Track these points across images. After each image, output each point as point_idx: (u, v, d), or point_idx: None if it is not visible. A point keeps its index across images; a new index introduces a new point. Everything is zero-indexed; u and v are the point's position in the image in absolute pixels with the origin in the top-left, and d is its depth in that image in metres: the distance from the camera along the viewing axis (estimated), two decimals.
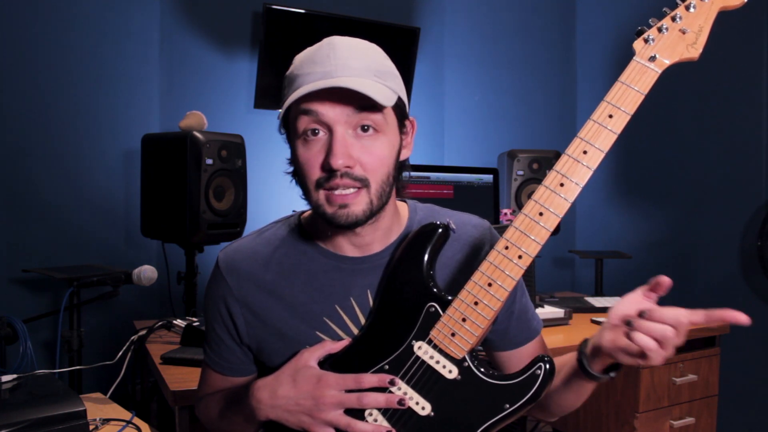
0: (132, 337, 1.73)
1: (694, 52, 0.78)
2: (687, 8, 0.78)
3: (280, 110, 0.88)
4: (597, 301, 2.34)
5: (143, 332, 1.74)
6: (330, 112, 0.83)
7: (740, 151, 2.53)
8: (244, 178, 2.07)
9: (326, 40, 0.88)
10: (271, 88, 2.44)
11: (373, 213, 0.86)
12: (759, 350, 2.43)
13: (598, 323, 2.04)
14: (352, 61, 0.84)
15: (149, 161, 2.02)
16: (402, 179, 0.94)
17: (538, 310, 2.01)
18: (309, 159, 0.86)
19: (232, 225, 2.04)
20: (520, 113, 2.99)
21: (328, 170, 0.83)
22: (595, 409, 2.14)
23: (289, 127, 0.89)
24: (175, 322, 1.84)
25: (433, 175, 2.25)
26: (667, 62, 0.78)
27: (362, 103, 0.82)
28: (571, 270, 3.15)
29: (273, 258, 0.95)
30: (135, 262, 1.99)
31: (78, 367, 1.78)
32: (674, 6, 0.79)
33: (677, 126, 2.72)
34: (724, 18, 2.54)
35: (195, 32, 2.38)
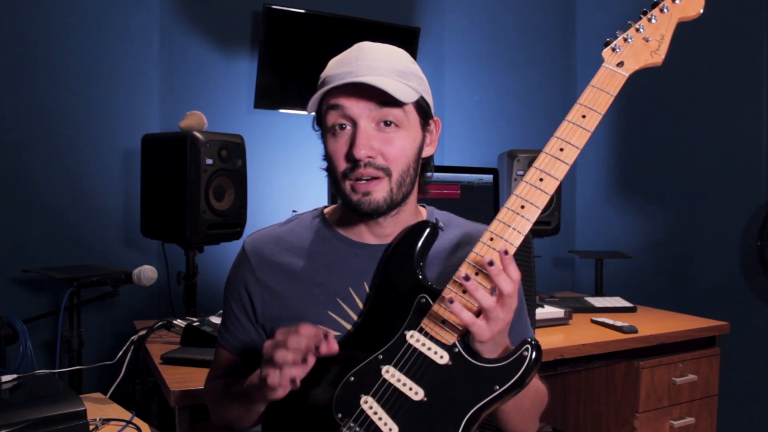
0: (132, 337, 1.73)
1: (658, 57, 0.88)
2: (649, 20, 0.88)
3: (311, 109, 0.97)
4: (597, 301, 2.34)
5: (143, 332, 1.74)
6: (354, 107, 0.91)
7: (740, 151, 2.53)
8: (244, 178, 2.07)
9: (356, 45, 0.97)
10: (271, 88, 2.44)
11: (393, 201, 0.94)
12: (759, 350, 2.43)
13: (598, 323, 2.04)
14: (377, 62, 0.92)
15: (149, 161, 2.02)
16: (426, 176, 1.03)
17: (538, 310, 2.01)
18: (336, 151, 0.94)
19: (232, 225, 2.04)
20: (520, 113, 2.99)
21: (353, 161, 0.91)
22: (595, 409, 2.14)
23: (321, 124, 0.97)
24: (175, 322, 1.84)
25: (434, 175, 2.25)
26: (634, 67, 0.88)
27: (383, 99, 0.90)
28: (571, 270, 3.15)
29: (295, 243, 1.03)
30: (135, 262, 1.99)
31: (78, 367, 1.78)
32: (638, 18, 0.89)
33: (677, 126, 2.72)
34: (724, 18, 2.56)
35: (195, 32, 2.38)
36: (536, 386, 1.02)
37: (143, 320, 2.03)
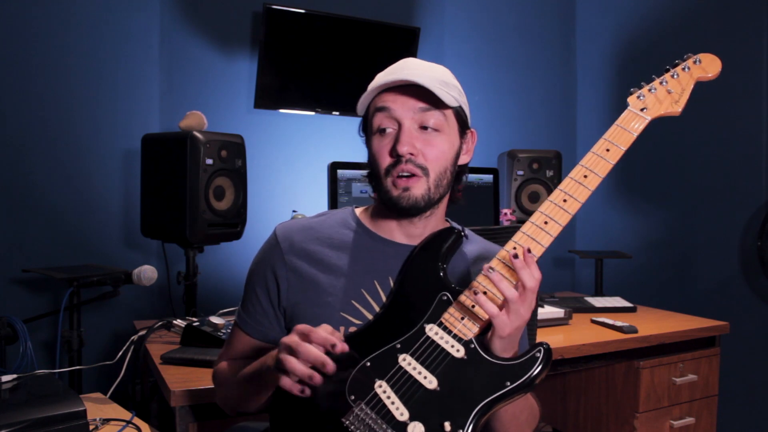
0: (132, 337, 1.73)
1: (677, 107, 0.99)
2: (672, 76, 1.01)
3: (361, 112, 1.06)
4: (597, 301, 2.34)
5: (143, 332, 1.74)
6: (400, 109, 0.99)
7: (740, 151, 2.53)
8: (244, 178, 2.07)
9: (402, 60, 1.06)
10: (271, 88, 2.44)
11: (431, 199, 1.01)
12: (759, 350, 2.44)
13: (598, 323, 2.04)
14: (421, 71, 1.01)
15: (149, 161, 2.02)
16: (462, 182, 1.10)
17: (539, 310, 2.01)
18: (380, 149, 1.01)
19: (232, 225, 2.04)
20: (520, 113, 2.99)
21: (396, 156, 0.99)
22: (595, 409, 2.14)
23: (367, 128, 1.05)
24: (175, 322, 1.84)
25: None
26: (656, 114, 0.99)
27: (426, 103, 0.99)
28: (571, 270, 3.15)
29: (325, 234, 1.08)
30: (135, 262, 1.99)
31: (78, 367, 1.78)
32: (662, 72, 1.02)
33: (677, 126, 2.72)
34: (724, 18, 2.55)
35: (195, 32, 2.38)
36: (532, 403, 1.05)
37: (143, 320, 2.03)
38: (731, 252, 2.55)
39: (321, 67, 2.50)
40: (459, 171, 1.08)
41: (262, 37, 2.37)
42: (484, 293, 0.90)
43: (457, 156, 1.05)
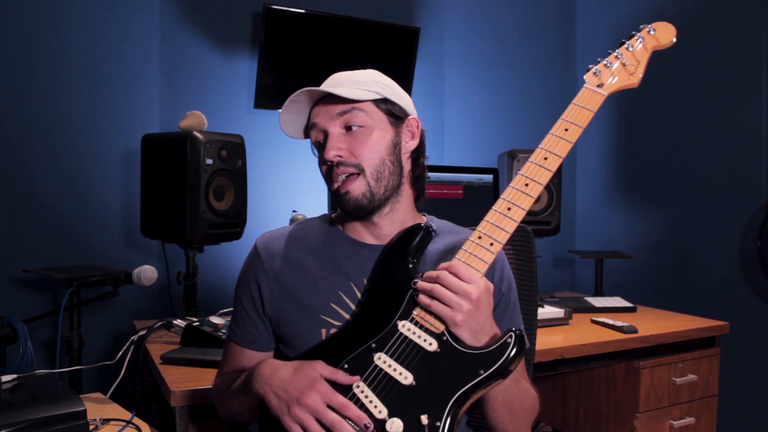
0: (132, 337, 1.73)
1: (634, 79, 1.00)
2: (627, 48, 1.02)
3: (286, 132, 1.16)
4: (597, 301, 2.34)
5: (143, 332, 1.74)
6: (322, 120, 1.05)
7: (740, 151, 2.54)
8: (244, 178, 2.07)
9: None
10: (271, 88, 2.44)
11: (374, 195, 1.03)
12: (759, 350, 2.44)
13: (598, 323, 2.04)
14: (339, 80, 1.06)
15: (149, 161, 2.02)
16: (418, 171, 1.10)
17: (539, 310, 2.01)
18: (319, 161, 1.07)
19: (232, 225, 2.04)
20: (520, 113, 2.99)
21: (328, 164, 1.03)
22: (595, 409, 2.14)
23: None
24: (175, 322, 1.84)
25: (434, 175, 2.25)
26: (612, 88, 1.00)
27: (343, 104, 1.03)
28: (571, 270, 3.15)
29: (303, 240, 1.11)
30: (135, 262, 1.99)
31: (78, 367, 1.78)
32: (618, 46, 1.03)
33: (677, 126, 2.72)
34: (723, 18, 2.56)
35: (195, 32, 2.38)
36: (526, 389, 1.06)
37: (143, 320, 2.03)
38: (731, 252, 2.55)
39: (321, 67, 2.50)
40: (414, 159, 1.10)
41: (262, 37, 2.37)
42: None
43: (396, 146, 1.06)
